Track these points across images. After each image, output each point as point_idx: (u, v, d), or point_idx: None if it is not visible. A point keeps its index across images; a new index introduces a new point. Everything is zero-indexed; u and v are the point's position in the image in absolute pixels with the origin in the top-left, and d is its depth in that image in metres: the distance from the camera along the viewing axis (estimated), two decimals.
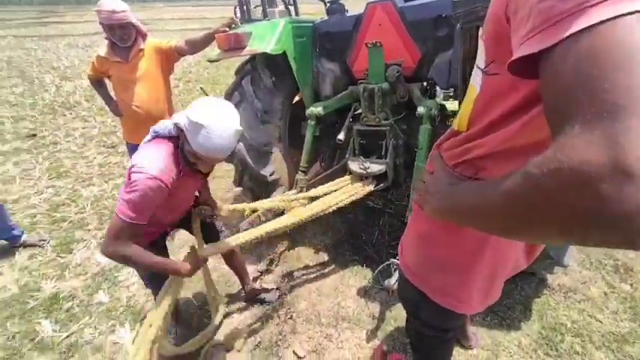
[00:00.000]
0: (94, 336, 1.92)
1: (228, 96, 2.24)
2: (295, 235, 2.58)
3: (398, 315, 1.84)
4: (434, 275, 0.85)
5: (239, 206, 1.80)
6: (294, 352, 1.71)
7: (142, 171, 1.16)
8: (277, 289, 2.12)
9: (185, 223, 1.71)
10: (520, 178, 0.40)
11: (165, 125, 1.29)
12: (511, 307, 1.83)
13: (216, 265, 2.27)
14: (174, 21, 19.59)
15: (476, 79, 0.67)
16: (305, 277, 2.22)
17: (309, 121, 2.15)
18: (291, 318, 1.91)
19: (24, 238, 2.63)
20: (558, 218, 0.36)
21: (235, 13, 5.09)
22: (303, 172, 2.15)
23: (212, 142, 1.15)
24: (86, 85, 7.34)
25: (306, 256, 2.41)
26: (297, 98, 2.54)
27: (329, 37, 2.26)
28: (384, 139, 2.05)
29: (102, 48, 2.27)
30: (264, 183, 2.20)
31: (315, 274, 2.24)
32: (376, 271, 1.96)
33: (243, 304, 2.06)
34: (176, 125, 1.25)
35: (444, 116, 2.24)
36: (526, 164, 0.40)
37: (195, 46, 2.32)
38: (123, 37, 2.17)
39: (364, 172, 1.94)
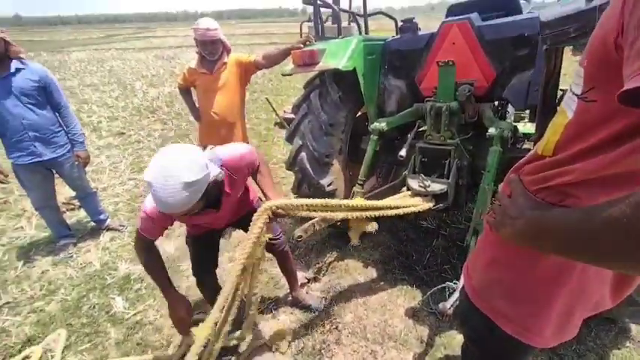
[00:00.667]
0: (156, 317, 2.12)
1: (297, 108, 2.37)
2: (344, 247, 2.59)
3: (449, 342, 1.74)
4: (504, 302, 0.81)
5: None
6: None
7: (143, 203, 1.41)
8: (323, 297, 2.14)
9: (243, 224, 1.83)
10: (628, 207, 0.39)
11: None
12: (582, 354, 1.63)
13: (267, 267, 2.37)
14: (243, 36, 21.27)
15: (569, 104, 0.65)
16: (352, 289, 2.22)
17: (371, 135, 2.18)
18: (336, 328, 1.91)
19: (108, 222, 3.02)
20: None
21: (301, 30, 5.41)
22: (361, 185, 2.17)
23: (161, 201, 1.11)
24: (167, 92, 8.29)
25: (354, 268, 2.40)
26: (359, 113, 2.60)
27: (399, 55, 2.29)
28: (448, 158, 1.99)
29: (192, 61, 2.59)
30: (321, 193, 2.26)
31: (362, 288, 2.22)
32: (428, 293, 1.90)
33: (290, 307, 2.11)
34: None
35: (515, 139, 2.12)
36: (634, 192, 0.39)
37: (272, 61, 2.53)
38: (212, 51, 2.46)
39: (424, 190, 1.90)
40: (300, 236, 2.02)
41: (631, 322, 1.69)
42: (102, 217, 2.99)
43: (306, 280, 2.33)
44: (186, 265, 2.54)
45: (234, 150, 1.53)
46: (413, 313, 1.96)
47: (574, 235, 0.48)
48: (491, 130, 1.78)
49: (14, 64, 2.27)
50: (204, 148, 2.74)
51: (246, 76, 2.63)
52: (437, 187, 1.91)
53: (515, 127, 2.15)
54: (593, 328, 1.72)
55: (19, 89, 2.28)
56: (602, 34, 0.53)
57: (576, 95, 0.63)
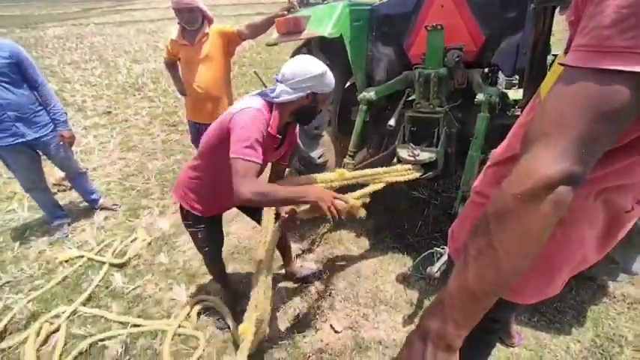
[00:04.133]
0: (155, 291, 2.18)
1: None
2: (337, 219, 2.63)
3: None
4: None
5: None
6: (331, 325, 1.79)
7: (246, 107, 1.26)
8: (317, 268, 2.20)
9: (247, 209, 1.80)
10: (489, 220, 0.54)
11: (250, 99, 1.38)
12: (562, 310, 1.73)
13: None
14: (228, 7, 20.22)
15: None
16: (345, 258, 2.29)
17: (360, 105, 2.15)
18: (330, 295, 1.99)
19: (101, 201, 3.02)
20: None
21: None
22: (351, 156, 2.17)
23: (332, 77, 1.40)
24: (152, 68, 7.98)
25: (347, 239, 2.46)
26: (348, 83, 2.55)
27: (387, 20, 2.22)
28: (437, 126, 1.99)
29: (174, 32, 2.48)
30: (311, 165, 2.27)
31: (354, 257, 2.29)
32: (418, 259, 1.96)
33: (285, 280, 2.17)
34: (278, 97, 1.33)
35: (505, 105, 2.11)
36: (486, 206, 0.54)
37: (256, 31, 2.43)
38: (190, 20, 2.35)
39: (413, 159, 1.91)
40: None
41: (609, 280, 1.79)
42: (94, 196, 2.98)
43: (301, 252, 2.39)
44: (181, 242, 2.58)
45: None
46: (403, 279, 2.04)
47: (487, 278, 0.54)
48: (479, 97, 1.77)
49: None
50: (193, 124, 2.72)
51: (230, 48, 2.54)
52: (426, 155, 1.92)
53: (505, 93, 2.13)
54: (573, 286, 1.82)
55: None
56: None
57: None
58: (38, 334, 1.86)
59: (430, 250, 1.67)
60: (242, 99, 1.41)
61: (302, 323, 1.85)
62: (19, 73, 2.30)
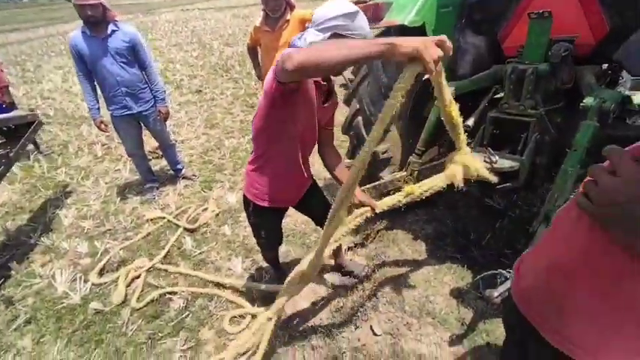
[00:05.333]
0: (217, 259, 2.39)
1: (357, 69, 2.25)
2: (395, 217, 2.52)
3: (493, 330, 1.64)
4: (555, 312, 0.70)
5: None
6: (371, 327, 1.75)
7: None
8: (367, 265, 2.15)
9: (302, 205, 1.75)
10: None
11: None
12: None
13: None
14: None
15: None
16: (397, 260, 2.19)
17: (436, 102, 1.97)
18: (375, 296, 1.94)
19: (183, 171, 3.40)
20: None
21: None
22: (418, 155, 2.02)
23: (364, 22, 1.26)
24: (240, 51, 8.57)
25: (402, 239, 2.35)
26: (425, 77, 2.35)
27: (481, 7, 1.96)
28: (526, 131, 1.72)
29: (258, 19, 2.60)
30: (375, 159, 2.19)
31: (408, 260, 2.17)
32: (479, 277, 1.77)
33: (332, 269, 2.17)
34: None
35: (626, 112, 1.71)
36: None
37: None
38: (274, 8, 2.42)
39: (489, 166, 1.69)
40: None
41: None
42: (179, 166, 3.37)
43: (353, 245, 2.36)
44: (244, 217, 2.75)
45: None
46: (458, 294, 1.87)
47: None
48: (587, 100, 1.45)
49: (110, 27, 2.54)
50: None
51: None
52: (506, 163, 1.68)
53: (627, 97, 1.73)
54: None
55: (114, 49, 2.57)
56: None
57: None
58: (126, 277, 2.22)
59: (494, 272, 1.49)
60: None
61: (342, 318, 1.84)
62: (133, 55, 2.68)
